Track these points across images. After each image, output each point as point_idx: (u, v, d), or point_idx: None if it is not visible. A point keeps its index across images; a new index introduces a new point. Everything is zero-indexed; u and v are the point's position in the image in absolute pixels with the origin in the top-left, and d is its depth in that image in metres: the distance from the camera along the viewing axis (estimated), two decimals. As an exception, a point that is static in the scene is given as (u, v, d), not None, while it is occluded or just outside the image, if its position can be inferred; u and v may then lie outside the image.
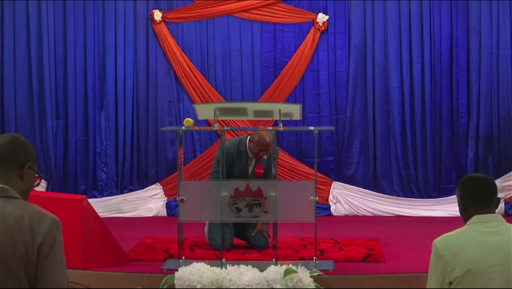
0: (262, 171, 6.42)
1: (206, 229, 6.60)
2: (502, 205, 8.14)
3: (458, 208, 3.40)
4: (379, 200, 8.44)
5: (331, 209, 8.43)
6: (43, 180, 8.32)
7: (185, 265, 5.50)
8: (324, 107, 8.51)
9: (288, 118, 6.00)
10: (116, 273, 5.73)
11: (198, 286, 5.30)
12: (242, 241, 6.60)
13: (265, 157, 6.33)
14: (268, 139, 6.22)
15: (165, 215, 8.45)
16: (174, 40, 8.53)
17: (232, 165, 6.38)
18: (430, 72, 8.38)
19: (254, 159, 6.43)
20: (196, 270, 5.36)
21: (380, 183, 8.49)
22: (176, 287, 5.37)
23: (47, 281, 2.66)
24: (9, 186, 2.75)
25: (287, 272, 5.31)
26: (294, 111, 5.90)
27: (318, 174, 6.51)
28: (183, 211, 5.87)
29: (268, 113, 6.04)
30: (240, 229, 6.54)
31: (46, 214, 2.73)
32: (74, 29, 8.47)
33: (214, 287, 5.31)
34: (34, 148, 2.88)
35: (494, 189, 3.34)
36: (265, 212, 5.78)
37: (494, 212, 3.30)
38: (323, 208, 8.35)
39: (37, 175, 2.85)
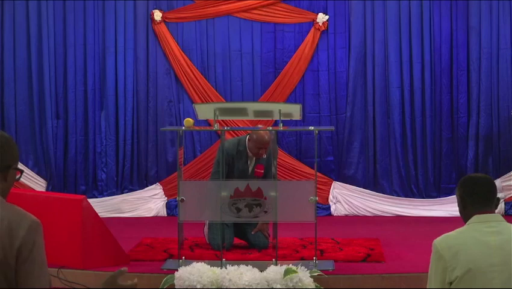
0: (262, 171, 6.42)
1: (206, 229, 6.60)
2: (502, 205, 8.13)
3: (457, 208, 3.40)
4: (379, 200, 8.44)
5: (331, 209, 8.43)
6: (42, 180, 8.37)
7: (185, 265, 5.50)
8: (324, 107, 8.51)
9: (288, 118, 6.00)
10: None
11: (198, 286, 5.30)
12: (242, 241, 6.60)
13: (264, 156, 6.33)
14: (267, 137, 6.22)
15: (165, 215, 8.45)
16: (174, 40, 8.52)
17: (232, 166, 6.38)
18: (430, 72, 8.38)
19: (254, 159, 6.43)
20: (196, 270, 5.36)
21: (380, 183, 8.49)
22: (176, 287, 5.37)
23: (27, 285, 2.57)
24: None
25: (287, 272, 5.31)
26: (294, 111, 5.89)
27: (318, 174, 6.51)
28: (183, 211, 5.87)
29: (268, 113, 6.04)
30: (240, 229, 6.54)
31: (25, 216, 2.63)
32: (74, 29, 8.47)
33: (214, 287, 5.31)
34: (16, 145, 2.78)
35: (493, 189, 3.34)
36: (265, 212, 5.78)
37: (493, 212, 3.30)
38: (323, 208, 8.34)
39: (18, 171, 2.75)
